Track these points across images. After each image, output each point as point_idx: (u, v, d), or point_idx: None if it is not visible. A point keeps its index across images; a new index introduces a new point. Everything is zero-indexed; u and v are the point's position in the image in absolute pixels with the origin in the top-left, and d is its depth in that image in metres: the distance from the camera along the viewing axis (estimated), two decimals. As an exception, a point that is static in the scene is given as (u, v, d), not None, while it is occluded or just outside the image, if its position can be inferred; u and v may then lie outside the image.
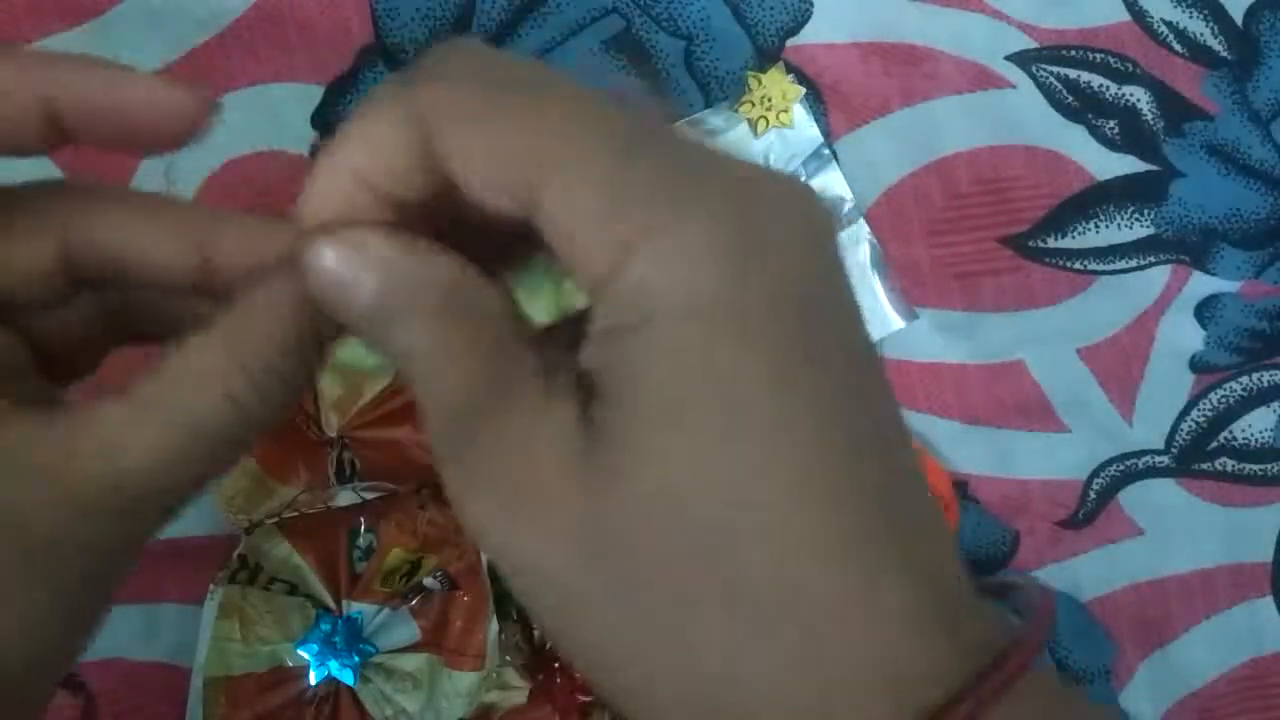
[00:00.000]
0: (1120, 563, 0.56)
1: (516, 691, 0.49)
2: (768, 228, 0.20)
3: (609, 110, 0.20)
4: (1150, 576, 0.56)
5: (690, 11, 0.52)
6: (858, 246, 0.53)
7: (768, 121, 0.52)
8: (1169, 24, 0.55)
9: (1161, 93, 0.55)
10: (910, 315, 0.53)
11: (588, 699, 0.49)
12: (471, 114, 0.20)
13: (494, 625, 0.48)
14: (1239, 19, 0.55)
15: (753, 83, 0.52)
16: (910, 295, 0.54)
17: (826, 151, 0.52)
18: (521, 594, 0.21)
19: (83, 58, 0.24)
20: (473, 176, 0.21)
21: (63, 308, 0.26)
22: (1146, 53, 0.55)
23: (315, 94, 0.50)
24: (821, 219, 0.21)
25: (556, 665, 0.49)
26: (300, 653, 0.46)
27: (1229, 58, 0.55)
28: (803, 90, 0.53)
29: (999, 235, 0.55)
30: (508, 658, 0.49)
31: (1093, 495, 0.56)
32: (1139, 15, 0.55)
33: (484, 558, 0.47)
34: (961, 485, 0.55)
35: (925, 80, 0.54)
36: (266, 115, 0.49)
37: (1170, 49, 0.55)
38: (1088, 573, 0.56)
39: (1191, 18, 0.55)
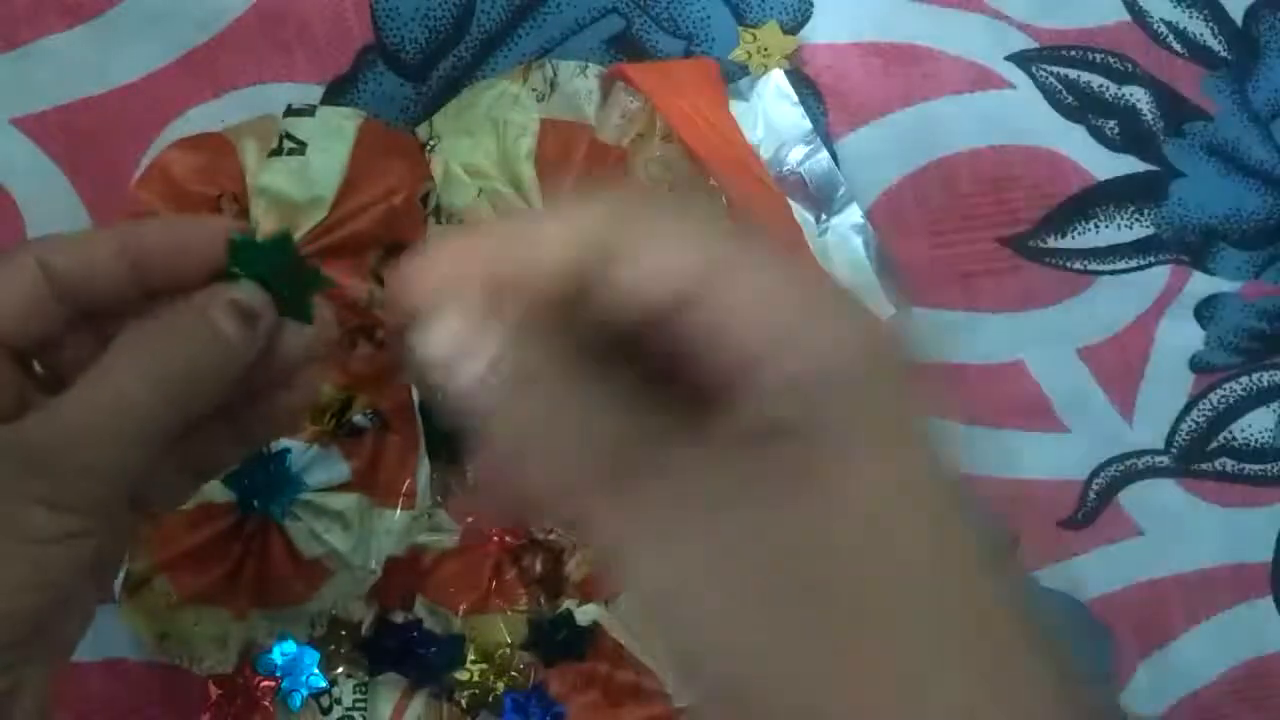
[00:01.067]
0: (1120, 563, 0.56)
1: (448, 535, 0.49)
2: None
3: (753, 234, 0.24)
4: (1150, 576, 0.56)
5: (690, 11, 0.52)
6: (851, 233, 0.53)
7: (766, 67, 0.52)
8: (1169, 24, 0.55)
9: (1161, 93, 0.55)
10: (906, 303, 0.53)
11: (519, 542, 0.49)
12: (651, 228, 0.23)
13: (426, 466, 0.48)
14: (1239, 19, 0.55)
15: (746, 37, 0.52)
16: (912, 295, 0.54)
17: (815, 138, 0.52)
18: (671, 620, 0.22)
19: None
20: (645, 277, 0.23)
21: (68, 345, 0.31)
22: (1146, 53, 0.55)
23: (315, 94, 0.50)
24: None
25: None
26: (228, 489, 0.46)
27: (1229, 58, 0.55)
28: (798, 40, 0.53)
29: (999, 235, 0.55)
30: (438, 497, 0.49)
31: (1093, 495, 0.56)
32: (1139, 15, 0.55)
33: (415, 397, 0.47)
34: (961, 485, 0.55)
35: (925, 80, 0.54)
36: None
37: (1170, 49, 0.55)
38: (1088, 573, 0.56)
39: (1191, 18, 0.55)
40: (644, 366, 0.24)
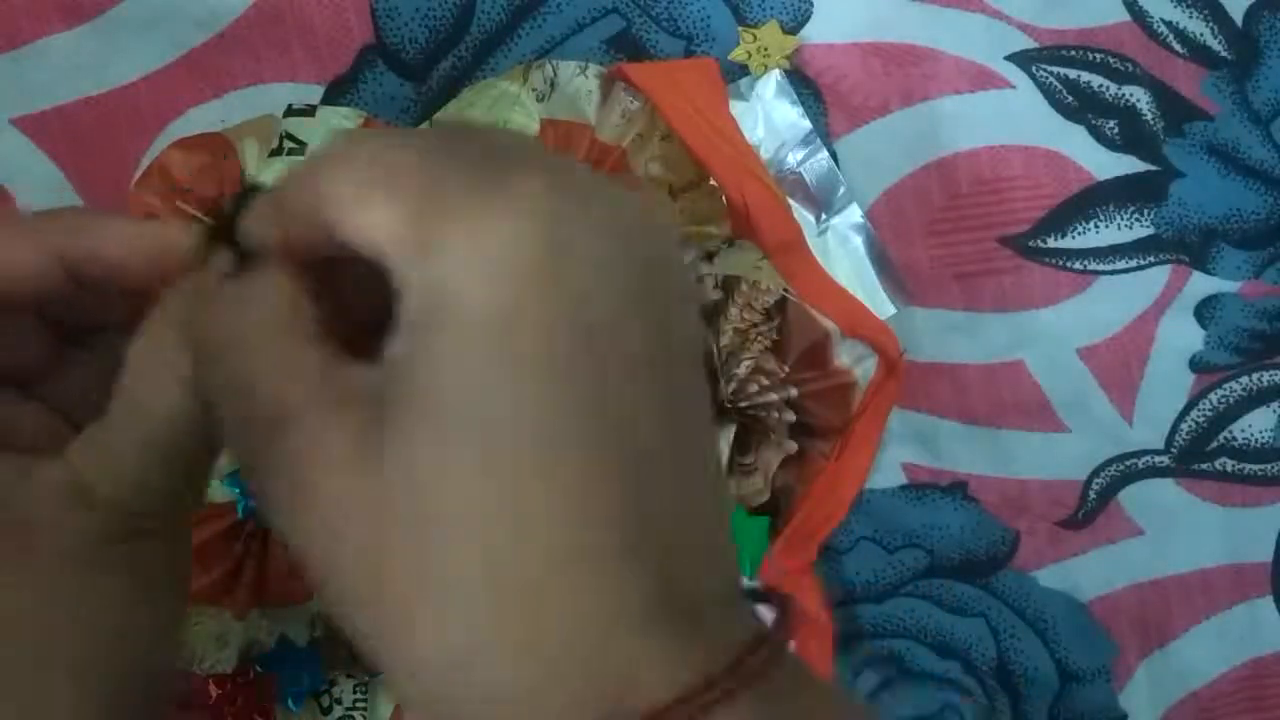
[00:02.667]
0: (1120, 563, 0.56)
1: None
2: (574, 236, 0.21)
3: (405, 134, 0.23)
4: (1150, 576, 0.56)
5: (690, 11, 0.52)
6: (851, 232, 0.53)
7: (766, 67, 0.52)
8: (1169, 24, 0.55)
9: (1161, 93, 0.55)
10: (907, 300, 0.53)
11: None
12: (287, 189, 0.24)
13: None
14: (1239, 19, 0.55)
15: (746, 37, 0.52)
16: (912, 295, 0.54)
17: (815, 138, 0.52)
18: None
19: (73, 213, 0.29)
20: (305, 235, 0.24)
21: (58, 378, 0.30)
22: (1146, 53, 0.55)
23: (315, 94, 0.50)
24: (639, 225, 0.22)
25: None
26: (228, 488, 0.46)
27: (1229, 58, 0.55)
28: (798, 40, 0.53)
29: (999, 235, 0.55)
30: None
31: (1093, 495, 0.56)
32: (1139, 15, 0.55)
33: None
34: (961, 485, 0.55)
35: (925, 80, 0.54)
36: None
37: (1170, 49, 0.55)
38: (1088, 573, 0.56)
39: (1191, 18, 0.55)
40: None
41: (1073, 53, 0.55)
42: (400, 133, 0.24)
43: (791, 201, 0.52)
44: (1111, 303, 0.55)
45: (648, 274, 0.22)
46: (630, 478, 0.21)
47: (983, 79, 0.54)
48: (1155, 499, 0.56)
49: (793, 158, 0.53)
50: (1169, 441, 0.56)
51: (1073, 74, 0.55)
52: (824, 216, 0.53)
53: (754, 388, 0.50)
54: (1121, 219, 0.55)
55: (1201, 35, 0.55)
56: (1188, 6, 0.55)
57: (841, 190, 0.53)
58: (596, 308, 0.21)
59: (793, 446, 0.51)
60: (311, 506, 0.22)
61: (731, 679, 0.20)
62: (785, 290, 0.50)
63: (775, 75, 0.52)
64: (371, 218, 0.22)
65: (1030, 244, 0.55)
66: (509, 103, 0.48)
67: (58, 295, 0.28)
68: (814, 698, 0.22)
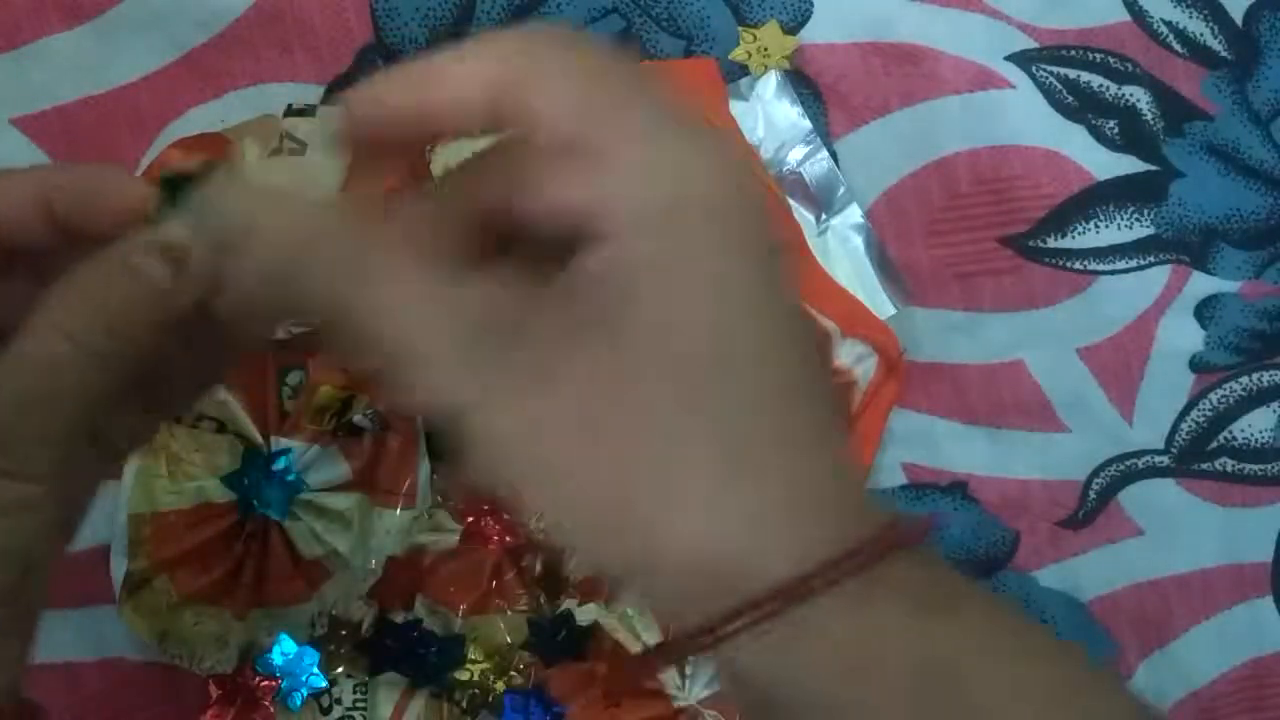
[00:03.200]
0: (1120, 563, 0.56)
1: (448, 534, 0.49)
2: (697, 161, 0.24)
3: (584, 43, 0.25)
4: (1150, 576, 0.56)
5: (690, 11, 0.52)
6: (851, 232, 0.53)
7: (766, 67, 0.52)
8: (1169, 24, 0.55)
9: (1161, 93, 0.55)
10: (907, 299, 0.53)
11: (519, 543, 0.50)
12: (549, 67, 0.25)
13: (426, 466, 0.48)
14: (1239, 19, 0.55)
15: (746, 37, 0.52)
16: (912, 294, 0.54)
17: (815, 138, 0.52)
18: (510, 465, 0.25)
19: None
20: (472, 101, 0.25)
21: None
22: (1146, 53, 0.55)
23: (315, 94, 0.50)
24: (734, 165, 0.25)
25: (487, 509, 0.49)
26: (228, 489, 0.46)
27: (1229, 58, 0.55)
28: (798, 40, 0.53)
29: (999, 235, 0.55)
30: (439, 497, 0.49)
31: (1093, 495, 0.56)
32: (1139, 15, 0.55)
33: None
34: (961, 485, 0.55)
35: (925, 80, 0.54)
36: (266, 115, 0.49)
37: (1170, 49, 0.55)
38: (1088, 573, 0.56)
39: (1191, 18, 0.55)
40: (494, 243, 0.26)
41: (1073, 53, 0.55)
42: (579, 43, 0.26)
43: (791, 201, 0.52)
44: (1111, 303, 0.55)
45: (748, 188, 0.25)
46: (810, 373, 0.25)
47: (983, 79, 0.54)
48: (1155, 499, 0.56)
49: (793, 158, 0.53)
50: (1169, 441, 0.56)
51: (1073, 74, 0.55)
52: (824, 216, 0.53)
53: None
54: (1121, 219, 0.55)
55: (1201, 35, 0.55)
56: (1188, 6, 0.55)
57: (841, 190, 0.53)
58: (737, 210, 0.24)
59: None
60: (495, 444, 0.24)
61: (894, 533, 0.24)
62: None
63: (775, 75, 0.52)
64: (565, 99, 0.23)
65: (1030, 244, 0.55)
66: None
67: (40, 246, 0.28)
68: (946, 569, 0.25)
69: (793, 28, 0.53)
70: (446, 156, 0.48)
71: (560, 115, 0.24)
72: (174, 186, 0.28)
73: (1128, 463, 0.56)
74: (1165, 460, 0.56)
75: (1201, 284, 0.56)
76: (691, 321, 0.24)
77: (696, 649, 0.23)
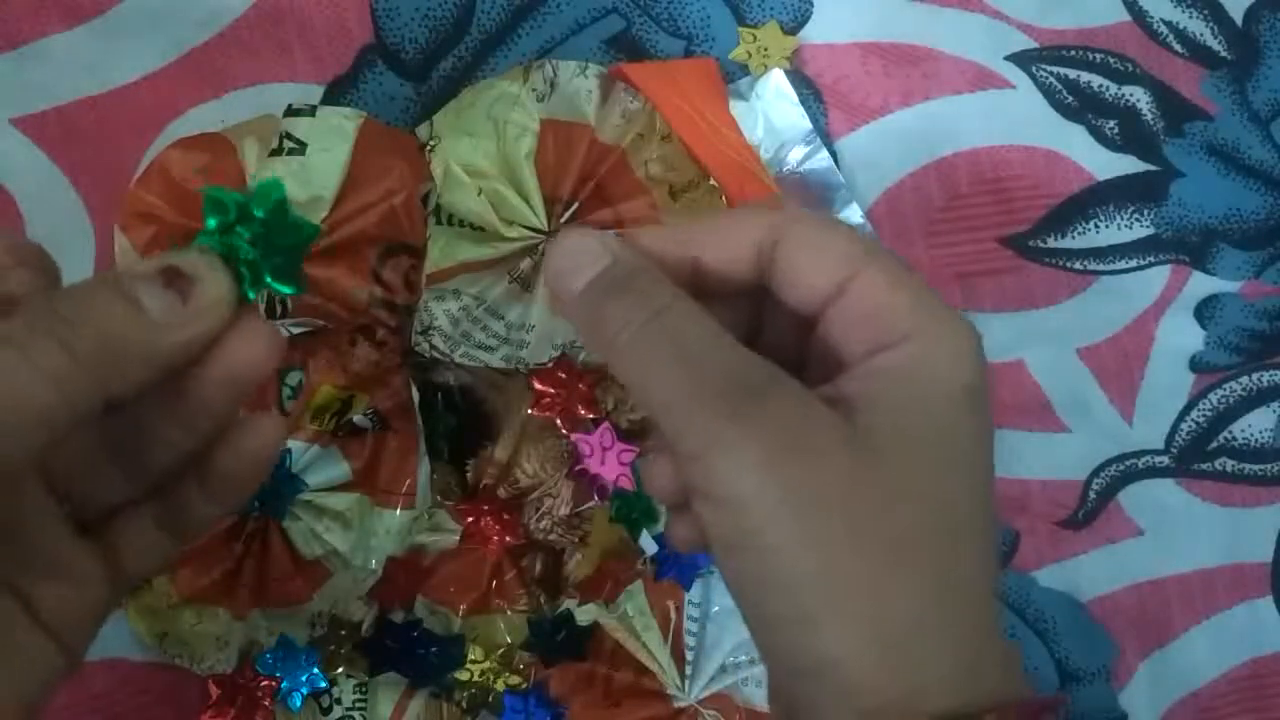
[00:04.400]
0: (1120, 563, 0.56)
1: (448, 534, 0.49)
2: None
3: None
4: (1150, 576, 0.56)
5: (690, 11, 0.52)
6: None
7: (766, 67, 0.52)
8: (1169, 24, 0.55)
9: (1161, 93, 0.55)
10: None
11: (519, 543, 0.50)
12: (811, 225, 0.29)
13: (426, 466, 0.48)
14: (1239, 19, 0.55)
15: (746, 37, 0.52)
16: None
17: (815, 138, 0.52)
18: (751, 532, 0.25)
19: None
20: (802, 269, 0.28)
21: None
22: (1146, 53, 0.55)
23: (315, 94, 0.50)
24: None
25: (488, 509, 0.49)
26: None
27: (1229, 58, 0.55)
28: (798, 40, 0.53)
29: (999, 235, 0.55)
30: (438, 496, 0.49)
31: (1093, 495, 0.56)
32: (1139, 15, 0.55)
33: (415, 396, 0.47)
34: (961, 485, 0.55)
35: (925, 80, 0.54)
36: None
37: (1170, 49, 0.55)
38: (1088, 573, 0.56)
39: (1191, 18, 0.55)
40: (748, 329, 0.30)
41: (1073, 53, 0.55)
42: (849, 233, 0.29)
43: (791, 202, 0.52)
44: (1111, 303, 0.55)
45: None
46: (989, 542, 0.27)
47: (983, 79, 0.54)
48: (1155, 499, 0.56)
49: (793, 158, 0.53)
50: (1169, 441, 0.56)
51: (1073, 74, 0.55)
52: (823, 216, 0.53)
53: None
54: (1121, 219, 0.55)
55: (1201, 35, 0.55)
56: (1188, 6, 0.55)
57: (841, 190, 0.53)
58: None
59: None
60: (809, 463, 0.26)
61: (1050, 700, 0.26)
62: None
63: (775, 75, 0.52)
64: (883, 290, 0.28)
65: (1030, 244, 0.55)
66: (509, 103, 0.48)
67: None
68: None
69: (793, 28, 0.53)
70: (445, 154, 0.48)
71: (838, 262, 0.28)
72: (212, 203, 0.27)
73: (1128, 463, 0.56)
74: (1165, 460, 0.56)
75: (1201, 284, 0.56)
76: (952, 476, 0.27)
77: None
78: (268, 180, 0.27)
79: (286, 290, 0.28)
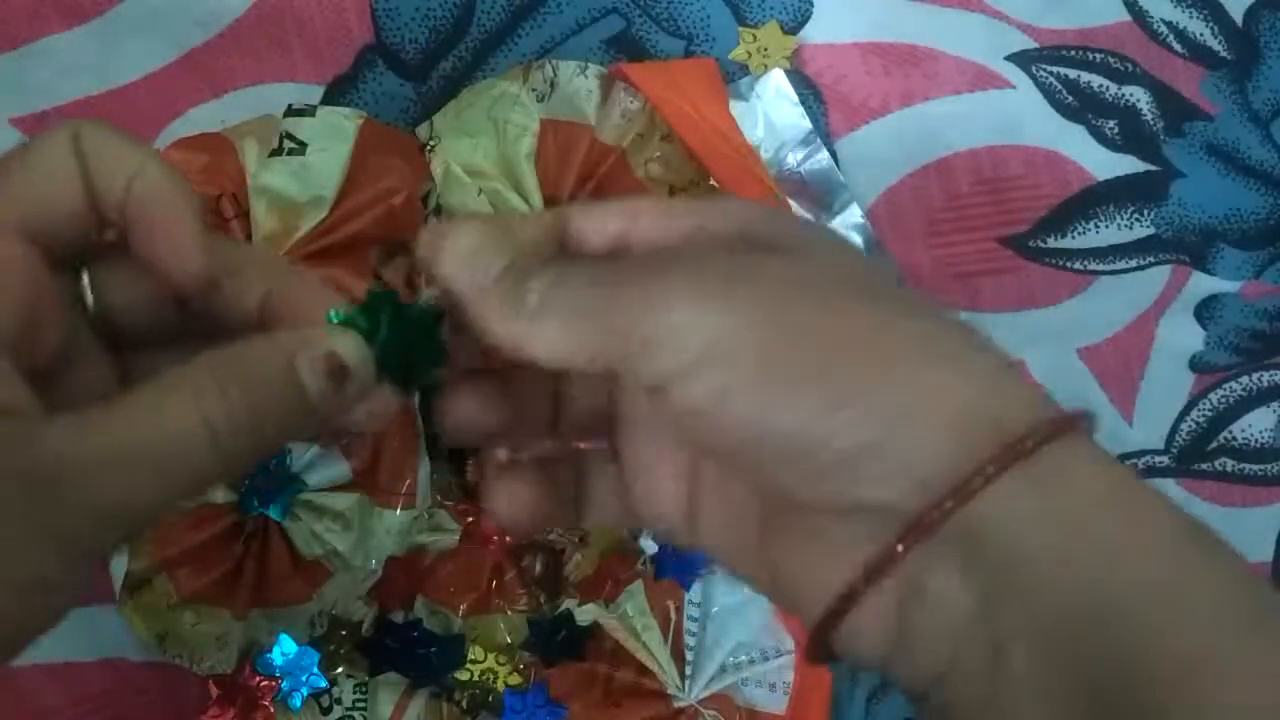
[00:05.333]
0: (1120, 563, 0.56)
1: (448, 534, 0.49)
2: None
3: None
4: (1150, 576, 0.56)
5: (690, 11, 0.52)
6: (851, 232, 0.53)
7: (766, 67, 0.52)
8: (1169, 24, 0.55)
9: (1161, 93, 0.55)
10: None
11: (519, 543, 0.50)
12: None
13: (426, 466, 0.48)
14: (1239, 19, 0.55)
15: (746, 37, 0.52)
16: (910, 295, 0.54)
17: (815, 138, 0.52)
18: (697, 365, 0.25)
19: None
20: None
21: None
22: (1146, 53, 0.55)
23: (315, 94, 0.50)
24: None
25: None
26: (228, 489, 0.46)
27: (1229, 58, 0.55)
28: (798, 40, 0.53)
29: (999, 235, 0.55)
30: (438, 496, 0.49)
31: (1093, 495, 0.56)
32: (1139, 15, 0.55)
33: (415, 396, 0.47)
34: (961, 485, 0.55)
35: (925, 80, 0.54)
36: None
37: (1170, 49, 0.55)
38: (1088, 573, 0.56)
39: (1191, 18, 0.55)
40: None
41: (1073, 53, 0.55)
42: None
43: (791, 201, 0.52)
44: (1111, 303, 0.55)
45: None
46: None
47: (983, 79, 0.54)
48: (1155, 499, 0.56)
49: (793, 158, 0.53)
50: (1169, 441, 0.56)
51: (1073, 74, 0.55)
52: (824, 216, 0.53)
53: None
54: (1121, 219, 0.55)
55: (1201, 35, 0.55)
56: (1188, 6, 0.55)
57: (841, 190, 0.53)
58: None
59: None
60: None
61: (1064, 422, 0.25)
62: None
63: (775, 75, 0.52)
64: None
65: (1030, 244, 0.55)
66: (509, 103, 0.48)
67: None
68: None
69: (793, 28, 0.53)
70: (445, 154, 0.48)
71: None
72: (375, 301, 0.27)
73: (1128, 463, 0.56)
74: (1165, 460, 0.56)
75: (1201, 284, 0.56)
76: (849, 260, 0.27)
77: (963, 497, 0.24)
78: (430, 307, 0.29)
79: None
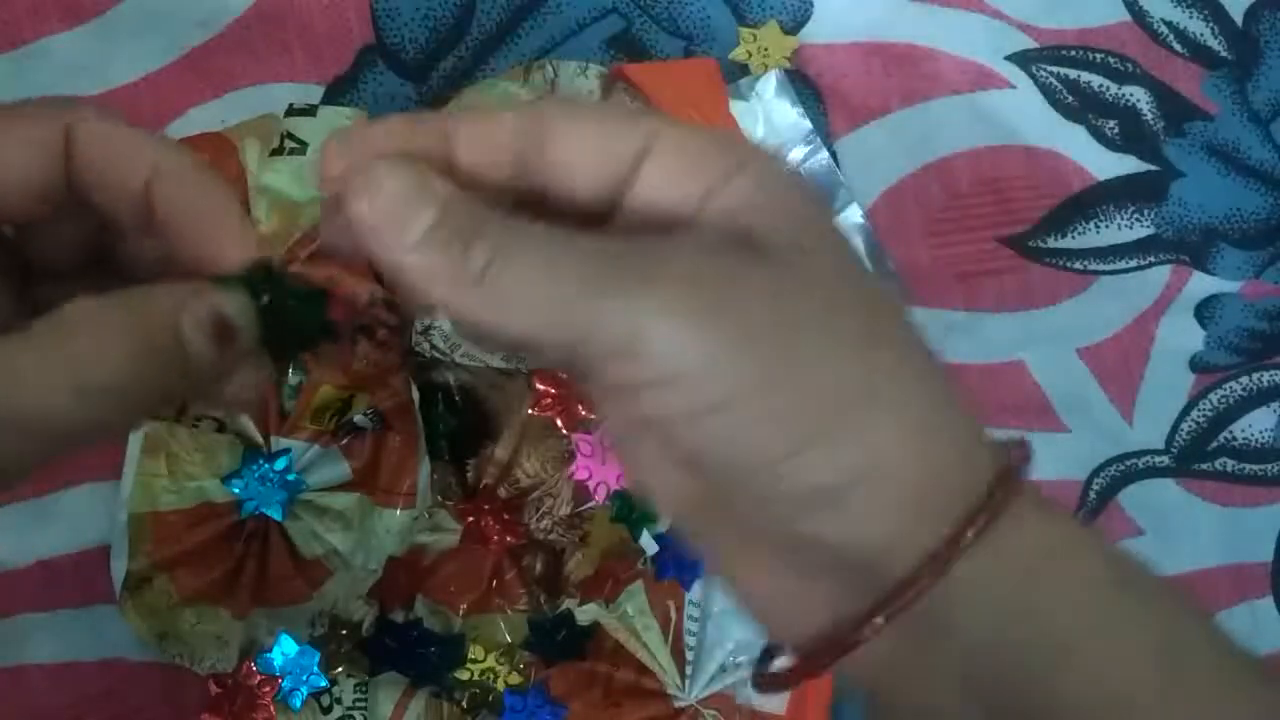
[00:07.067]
0: (1120, 563, 0.56)
1: (448, 534, 0.49)
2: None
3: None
4: (1150, 576, 0.56)
5: (690, 11, 0.52)
6: (851, 232, 0.53)
7: (766, 67, 0.52)
8: (1169, 24, 0.55)
9: (1161, 93, 0.55)
10: (906, 301, 0.53)
11: (520, 543, 0.50)
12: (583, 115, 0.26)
13: (426, 465, 0.48)
14: (1239, 19, 0.55)
15: (746, 37, 0.52)
16: (910, 295, 0.54)
17: (815, 138, 0.53)
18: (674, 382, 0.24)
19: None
20: (579, 165, 0.25)
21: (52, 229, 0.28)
22: (1146, 53, 0.55)
23: (315, 94, 0.50)
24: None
25: (488, 509, 0.49)
26: (228, 489, 0.46)
27: (1229, 58, 0.56)
28: (798, 40, 0.53)
29: (999, 235, 0.55)
30: (438, 496, 0.49)
31: (1093, 495, 0.56)
32: (1139, 15, 0.55)
33: (415, 396, 0.47)
34: (961, 485, 0.55)
35: (925, 80, 0.54)
36: (266, 115, 0.49)
37: (1170, 49, 0.55)
38: (1088, 573, 0.56)
39: (1191, 18, 0.55)
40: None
41: (1073, 53, 0.55)
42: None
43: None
44: (1111, 303, 0.55)
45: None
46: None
47: (983, 79, 0.54)
48: (1155, 499, 0.56)
49: (793, 158, 0.53)
50: (1169, 441, 0.56)
51: (1073, 74, 0.55)
52: (824, 216, 0.53)
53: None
54: (1121, 219, 0.55)
55: (1201, 35, 0.55)
56: (1188, 6, 0.55)
57: (841, 190, 0.53)
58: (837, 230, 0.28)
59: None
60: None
61: (1013, 483, 0.25)
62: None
63: (775, 75, 0.52)
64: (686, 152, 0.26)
65: (1030, 244, 0.55)
66: (509, 102, 0.48)
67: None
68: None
69: (793, 28, 0.53)
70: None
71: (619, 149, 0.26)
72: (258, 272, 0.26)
73: (1128, 463, 0.56)
74: (1165, 460, 0.56)
75: (1201, 284, 0.56)
76: (839, 274, 0.26)
77: (937, 571, 0.24)
78: (315, 291, 0.28)
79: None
